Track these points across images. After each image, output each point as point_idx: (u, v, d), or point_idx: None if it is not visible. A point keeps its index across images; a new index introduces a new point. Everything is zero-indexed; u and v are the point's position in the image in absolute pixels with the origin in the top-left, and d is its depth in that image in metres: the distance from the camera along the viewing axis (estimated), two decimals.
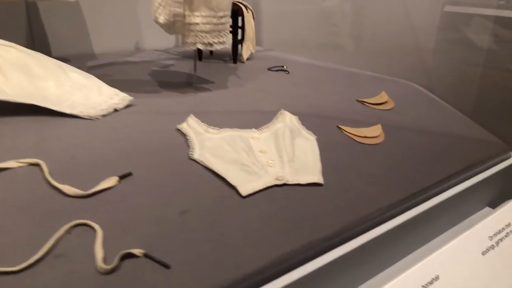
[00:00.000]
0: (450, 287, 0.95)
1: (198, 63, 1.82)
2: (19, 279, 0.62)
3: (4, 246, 0.66)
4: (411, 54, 2.45)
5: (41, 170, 0.80)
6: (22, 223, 0.70)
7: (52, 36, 1.87)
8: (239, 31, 1.86)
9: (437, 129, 1.31)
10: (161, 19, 1.17)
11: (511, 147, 1.35)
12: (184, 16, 1.17)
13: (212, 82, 1.47)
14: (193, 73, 1.40)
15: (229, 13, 1.23)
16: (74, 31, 1.93)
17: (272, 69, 1.72)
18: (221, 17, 1.20)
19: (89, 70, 1.58)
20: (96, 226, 0.70)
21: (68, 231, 0.69)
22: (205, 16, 1.18)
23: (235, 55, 1.84)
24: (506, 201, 1.24)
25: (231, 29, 1.80)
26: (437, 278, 0.95)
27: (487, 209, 1.28)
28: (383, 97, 1.38)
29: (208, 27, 1.19)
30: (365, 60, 2.27)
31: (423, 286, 0.92)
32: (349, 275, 0.87)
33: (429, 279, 0.94)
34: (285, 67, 1.74)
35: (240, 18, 1.85)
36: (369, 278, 0.93)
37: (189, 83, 1.44)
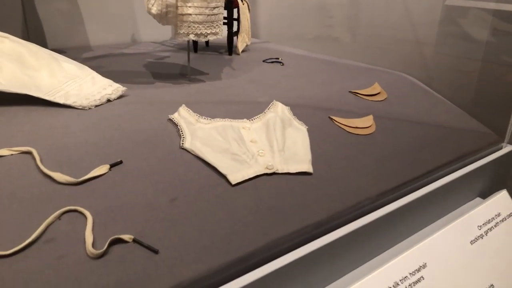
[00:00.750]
0: (437, 275, 0.97)
1: (193, 55, 1.82)
2: (10, 262, 0.63)
3: None
4: (410, 47, 2.45)
5: (33, 158, 0.81)
6: (14, 209, 0.71)
7: (47, 28, 1.87)
8: (235, 23, 1.87)
9: (429, 120, 1.31)
10: (154, 10, 1.17)
11: (503, 138, 1.37)
12: (176, 7, 1.18)
13: (207, 74, 1.47)
14: (187, 65, 1.41)
15: (222, 4, 1.24)
16: (70, 23, 1.93)
17: (267, 61, 1.72)
18: (214, 7, 1.20)
19: (84, 61, 1.59)
20: (86, 212, 0.72)
21: (58, 217, 0.71)
22: (198, 7, 1.18)
23: (230, 47, 1.85)
24: (496, 192, 1.25)
25: (225, 20, 1.81)
26: (424, 265, 0.97)
27: (478, 199, 1.29)
28: (376, 88, 1.39)
29: (200, 17, 1.20)
30: (362, 52, 2.27)
31: (410, 273, 0.94)
32: (337, 262, 0.88)
33: (416, 267, 0.95)
34: (280, 59, 1.75)
35: (235, 10, 1.85)
36: (358, 266, 0.95)
37: (183, 75, 1.45)
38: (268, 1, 2.37)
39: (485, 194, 1.29)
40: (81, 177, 0.78)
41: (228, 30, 1.82)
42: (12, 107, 1.05)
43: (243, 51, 1.90)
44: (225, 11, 1.74)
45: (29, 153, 0.82)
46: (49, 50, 1.22)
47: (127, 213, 0.75)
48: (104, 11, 2.00)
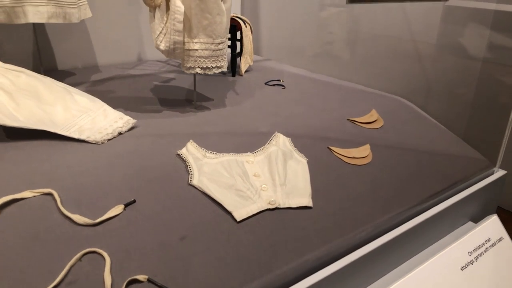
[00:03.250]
0: None
1: (198, 75, 1.89)
2: None
3: (20, 273, 0.74)
4: (408, 65, 2.52)
5: (54, 199, 0.88)
6: (37, 251, 0.78)
7: (57, 49, 1.93)
8: (238, 44, 1.93)
9: (423, 147, 1.38)
10: (162, 46, 1.24)
11: (494, 163, 1.43)
12: (183, 43, 1.24)
13: (212, 100, 1.54)
14: (193, 90, 1.47)
15: (226, 39, 1.30)
16: (79, 44, 2.00)
17: (269, 83, 1.79)
18: (219, 43, 1.26)
19: (94, 85, 1.66)
20: (104, 253, 0.79)
21: (79, 259, 0.77)
22: (203, 43, 1.25)
23: (233, 68, 1.91)
24: (487, 216, 1.32)
25: (229, 43, 1.87)
26: None
27: (470, 223, 1.35)
28: (373, 115, 1.45)
29: (206, 52, 1.26)
30: (361, 71, 2.35)
31: None
32: None
33: None
34: (281, 80, 1.81)
35: (238, 33, 1.91)
36: None
37: (189, 101, 1.51)
38: (269, 18, 2.43)
39: (477, 218, 1.36)
40: (98, 218, 0.85)
41: (231, 53, 1.89)
42: (32, 142, 1.12)
43: (246, 71, 1.96)
44: (229, 34, 1.81)
45: (50, 194, 0.89)
46: (62, 83, 1.29)
47: (141, 252, 0.81)
48: (111, 31, 2.06)
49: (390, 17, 2.81)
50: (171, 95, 1.59)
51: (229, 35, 1.77)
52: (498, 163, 1.43)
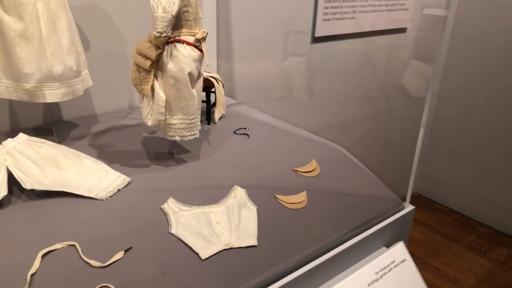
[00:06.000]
0: None
1: None
2: None
3: None
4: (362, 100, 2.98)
5: (76, 249, 1.29)
6: (69, 286, 1.20)
7: (63, 103, 2.33)
8: (212, 97, 2.35)
9: (350, 190, 1.82)
10: (149, 123, 1.66)
11: (404, 200, 1.88)
12: (165, 119, 1.66)
13: (189, 152, 1.96)
14: (174, 147, 1.89)
15: (198, 115, 1.72)
16: (80, 96, 2.39)
17: (237, 132, 2.21)
18: (192, 119, 1.69)
19: (94, 137, 2.07)
20: (112, 286, 1.20)
21: None
22: (181, 119, 1.67)
23: (208, 118, 2.33)
24: (396, 243, 1.77)
25: (204, 99, 2.30)
26: None
27: (384, 248, 1.80)
28: (312, 165, 1.89)
29: (183, 125, 1.68)
30: (315, 115, 2.81)
31: None
32: None
33: None
34: (247, 129, 2.24)
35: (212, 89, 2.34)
36: None
37: (171, 153, 1.93)
38: (241, 64, 2.86)
39: (390, 243, 1.80)
40: (106, 262, 1.27)
41: (206, 106, 2.31)
42: (51, 200, 1.52)
43: (219, 118, 2.39)
44: (203, 93, 2.23)
45: (73, 245, 1.31)
46: (74, 150, 1.70)
47: (139, 285, 1.23)
48: (106, 83, 2.46)
49: (351, 60, 3.28)
50: (157, 148, 2.00)
51: (203, 94, 2.20)
52: (407, 200, 1.88)
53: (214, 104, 2.37)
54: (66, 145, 1.75)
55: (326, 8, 3.24)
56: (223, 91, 2.36)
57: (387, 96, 3.51)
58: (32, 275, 1.19)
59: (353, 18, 3.48)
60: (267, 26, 2.86)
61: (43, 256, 1.27)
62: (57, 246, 1.30)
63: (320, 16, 3.23)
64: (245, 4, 2.75)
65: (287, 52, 2.97)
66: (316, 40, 3.28)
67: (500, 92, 4.21)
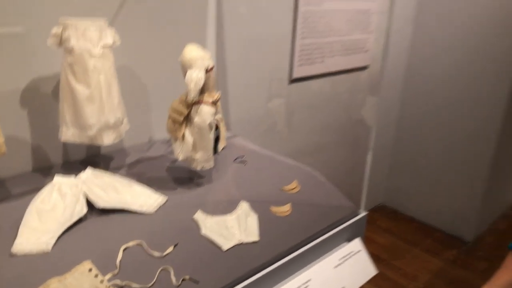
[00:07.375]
0: (319, 285, 2.18)
1: None
2: None
3: None
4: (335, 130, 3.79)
5: (142, 246, 1.97)
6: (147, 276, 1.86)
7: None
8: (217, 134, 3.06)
9: (317, 202, 2.54)
10: (181, 158, 2.36)
11: (359, 208, 2.62)
12: (191, 155, 2.37)
13: (203, 177, 2.66)
14: (194, 173, 2.59)
15: (211, 151, 2.44)
16: None
17: (236, 160, 2.93)
18: (209, 154, 2.40)
19: (130, 167, 2.75)
20: (170, 268, 1.88)
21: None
22: (202, 155, 2.38)
23: (215, 149, 3.04)
24: (355, 239, 2.51)
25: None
26: (308, 281, 2.18)
27: (345, 243, 2.52)
28: (294, 184, 2.62)
29: (203, 159, 2.39)
30: (296, 145, 3.58)
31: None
32: None
33: (302, 282, 2.16)
34: (244, 156, 2.96)
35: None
36: None
37: (191, 178, 2.63)
38: (235, 98, 3.59)
39: (350, 239, 2.54)
40: (163, 253, 1.95)
41: (215, 141, 3.02)
42: (116, 214, 2.19)
43: (222, 149, 3.10)
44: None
45: (140, 245, 1.98)
46: (124, 178, 2.37)
47: (183, 268, 1.91)
48: (132, 121, 3.13)
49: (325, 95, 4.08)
50: (179, 173, 2.69)
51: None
52: (362, 207, 2.63)
53: (218, 138, 3.09)
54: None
55: (300, 56, 4.06)
56: (224, 129, 3.08)
57: (350, 125, 4.33)
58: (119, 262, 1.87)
59: (322, 61, 4.31)
60: (255, 75, 3.62)
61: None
62: (130, 244, 1.97)
63: (296, 62, 4.04)
64: (238, 58, 3.51)
65: (271, 93, 3.73)
66: (292, 81, 4.08)
67: (448, 120, 5.15)
